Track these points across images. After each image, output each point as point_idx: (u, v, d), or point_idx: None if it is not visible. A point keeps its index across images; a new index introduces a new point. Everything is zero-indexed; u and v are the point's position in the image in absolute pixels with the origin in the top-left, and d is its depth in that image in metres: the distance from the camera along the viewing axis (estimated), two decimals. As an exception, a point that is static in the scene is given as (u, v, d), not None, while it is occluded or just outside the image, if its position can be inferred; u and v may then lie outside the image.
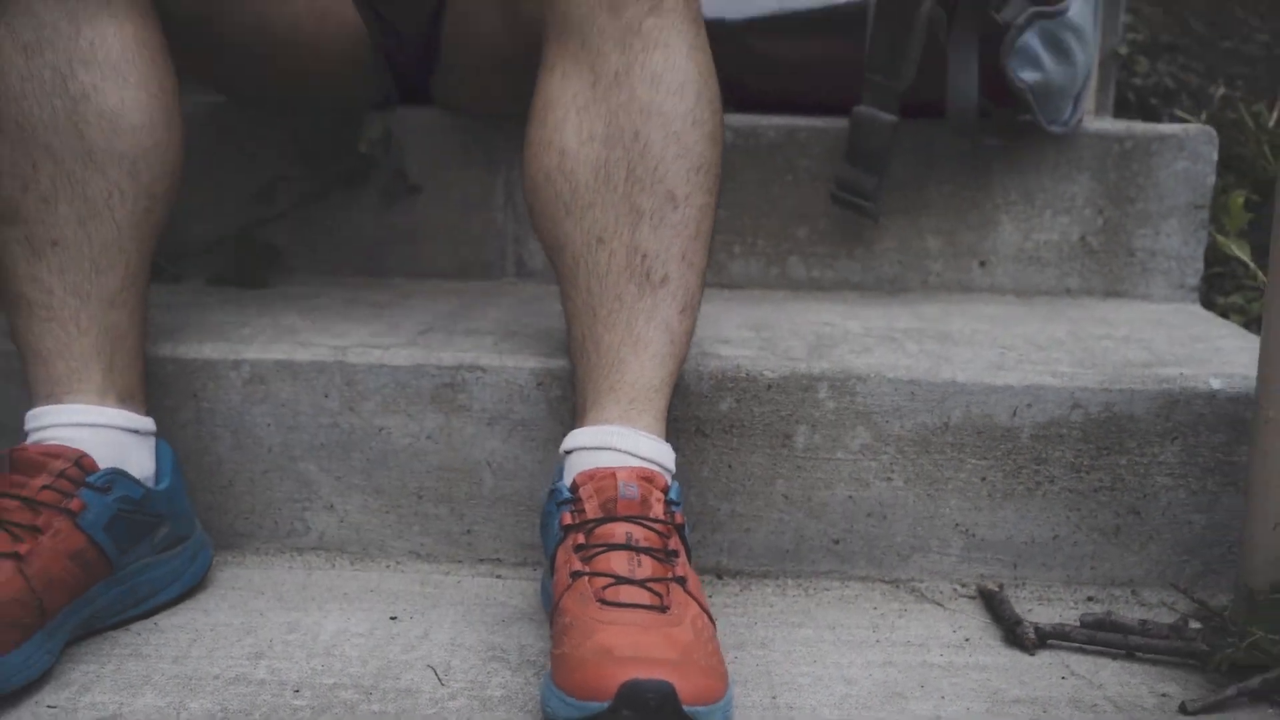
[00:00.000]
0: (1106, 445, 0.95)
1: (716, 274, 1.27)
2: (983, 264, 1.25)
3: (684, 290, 0.88)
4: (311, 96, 1.19)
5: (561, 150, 0.89)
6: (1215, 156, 1.22)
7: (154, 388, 0.97)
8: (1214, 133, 1.23)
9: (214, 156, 1.25)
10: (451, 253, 1.28)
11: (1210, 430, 0.94)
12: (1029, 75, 1.15)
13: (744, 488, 0.97)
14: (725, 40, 1.24)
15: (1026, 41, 1.14)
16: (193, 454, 0.99)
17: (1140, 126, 1.24)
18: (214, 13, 1.02)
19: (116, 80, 0.89)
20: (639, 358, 0.87)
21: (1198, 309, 1.22)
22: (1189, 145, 1.22)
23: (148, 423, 0.91)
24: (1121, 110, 1.58)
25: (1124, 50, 1.59)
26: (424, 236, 1.27)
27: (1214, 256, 1.32)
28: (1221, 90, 1.62)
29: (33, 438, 0.86)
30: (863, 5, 1.18)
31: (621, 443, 0.84)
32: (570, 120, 0.89)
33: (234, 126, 1.25)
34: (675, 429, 0.95)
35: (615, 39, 0.89)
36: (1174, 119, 1.57)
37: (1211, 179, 1.22)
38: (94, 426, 0.86)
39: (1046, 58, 1.15)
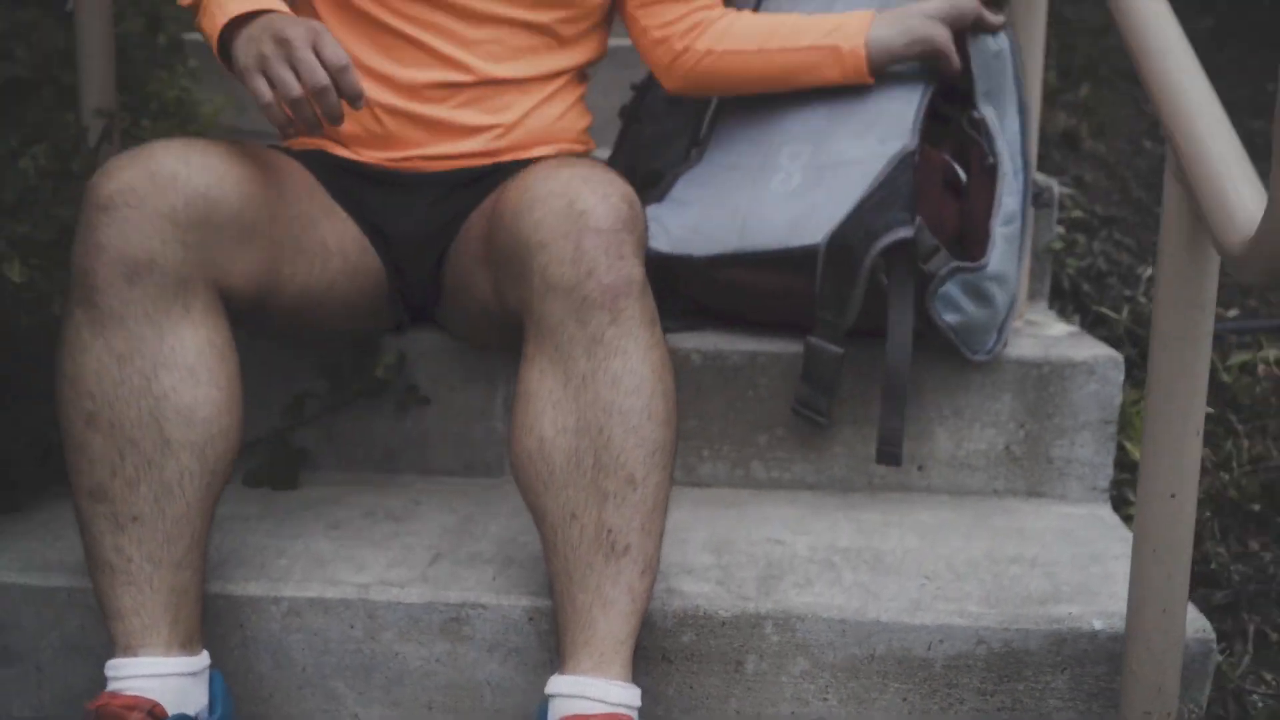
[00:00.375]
0: (1007, 674, 1.13)
1: (688, 474, 1.45)
2: (920, 468, 1.44)
3: (643, 555, 1.07)
4: (339, 332, 1.37)
5: (540, 437, 1.08)
6: (1121, 378, 1.40)
7: (207, 618, 1.15)
8: (1120, 359, 1.41)
9: (252, 374, 1.43)
10: (457, 455, 1.46)
11: (1094, 663, 1.12)
12: (950, 317, 1.33)
13: (703, 704, 1.15)
14: (693, 273, 1.43)
15: (948, 290, 1.32)
16: (238, 672, 1.17)
17: (1056, 353, 1.42)
18: (267, 296, 1.20)
19: (191, 380, 1.08)
20: (607, 616, 1.05)
21: (1105, 512, 1.39)
22: (1099, 370, 1.40)
23: (204, 660, 1.09)
24: (1056, 297, 1.76)
25: (1058, 245, 1.77)
26: (434, 441, 1.46)
27: (1125, 461, 1.50)
28: (1149, 272, 1.80)
29: (112, 685, 1.04)
30: (814, 250, 1.35)
31: (594, 691, 1.02)
32: (547, 413, 1.08)
33: (269, 350, 1.44)
34: (643, 655, 1.13)
35: (583, 346, 1.07)
36: (1098, 318, 1.75)
37: (1118, 399, 1.40)
38: (162, 676, 1.04)
39: (967, 302, 1.33)
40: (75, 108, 1.60)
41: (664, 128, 1.58)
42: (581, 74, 1.46)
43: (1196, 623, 1.13)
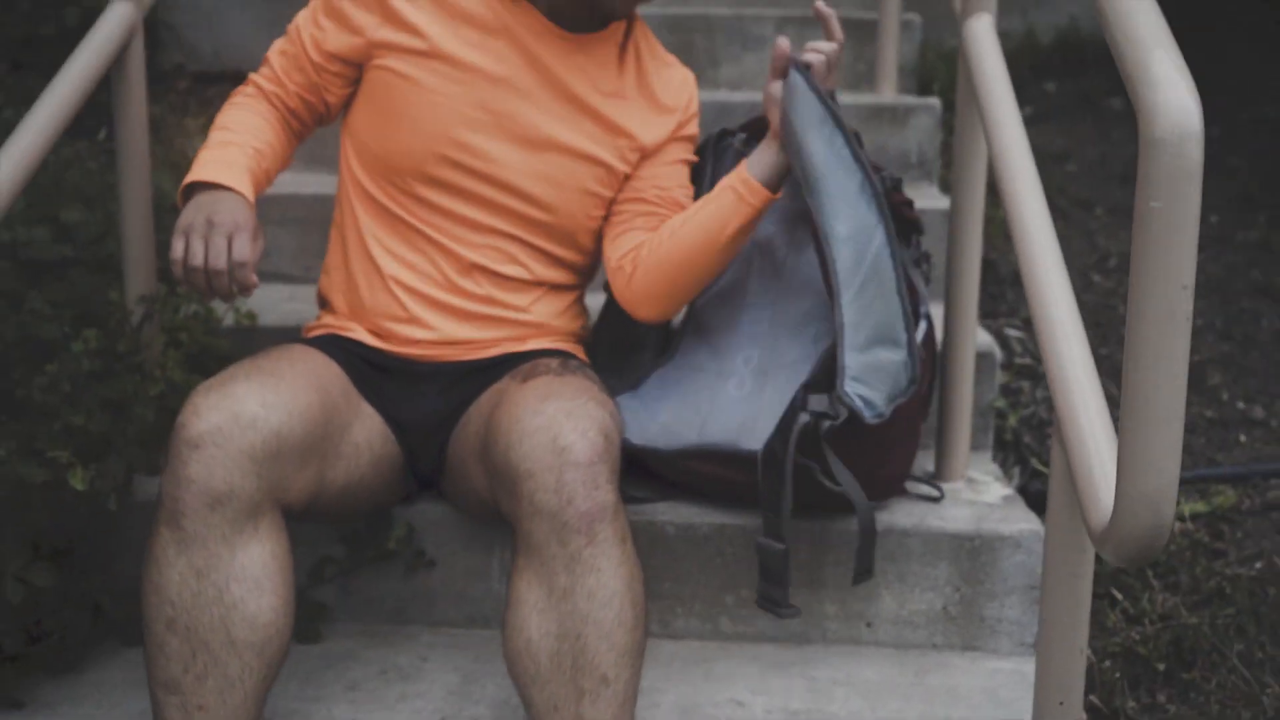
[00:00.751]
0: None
1: (664, 628, 1.64)
2: (869, 625, 1.62)
3: None
4: (360, 511, 1.56)
5: (528, 639, 1.27)
6: (1043, 550, 1.59)
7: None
8: (1042, 532, 1.59)
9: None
10: (459, 609, 1.65)
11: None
12: (870, 413, 1.49)
13: None
14: (660, 461, 1.62)
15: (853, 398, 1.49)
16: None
17: (987, 527, 1.60)
18: (313, 502, 1.39)
19: (257, 591, 1.27)
20: None
21: (1030, 667, 1.58)
22: (1024, 543, 1.59)
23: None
24: (999, 449, 1.95)
25: (999, 403, 1.96)
26: (439, 597, 1.65)
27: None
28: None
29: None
30: (755, 456, 1.53)
31: None
32: (533, 619, 1.27)
33: (295, 525, 1.63)
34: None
35: (563, 564, 1.26)
36: (1035, 475, 1.93)
37: (1040, 568, 1.59)
38: None
39: (870, 395, 1.50)
40: (120, 288, 1.80)
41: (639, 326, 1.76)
42: (581, 275, 1.65)
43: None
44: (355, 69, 1.56)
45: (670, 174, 1.63)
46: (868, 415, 1.49)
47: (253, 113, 1.57)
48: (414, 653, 1.60)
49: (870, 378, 1.51)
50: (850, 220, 1.51)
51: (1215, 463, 1.93)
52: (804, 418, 1.47)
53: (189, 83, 3.04)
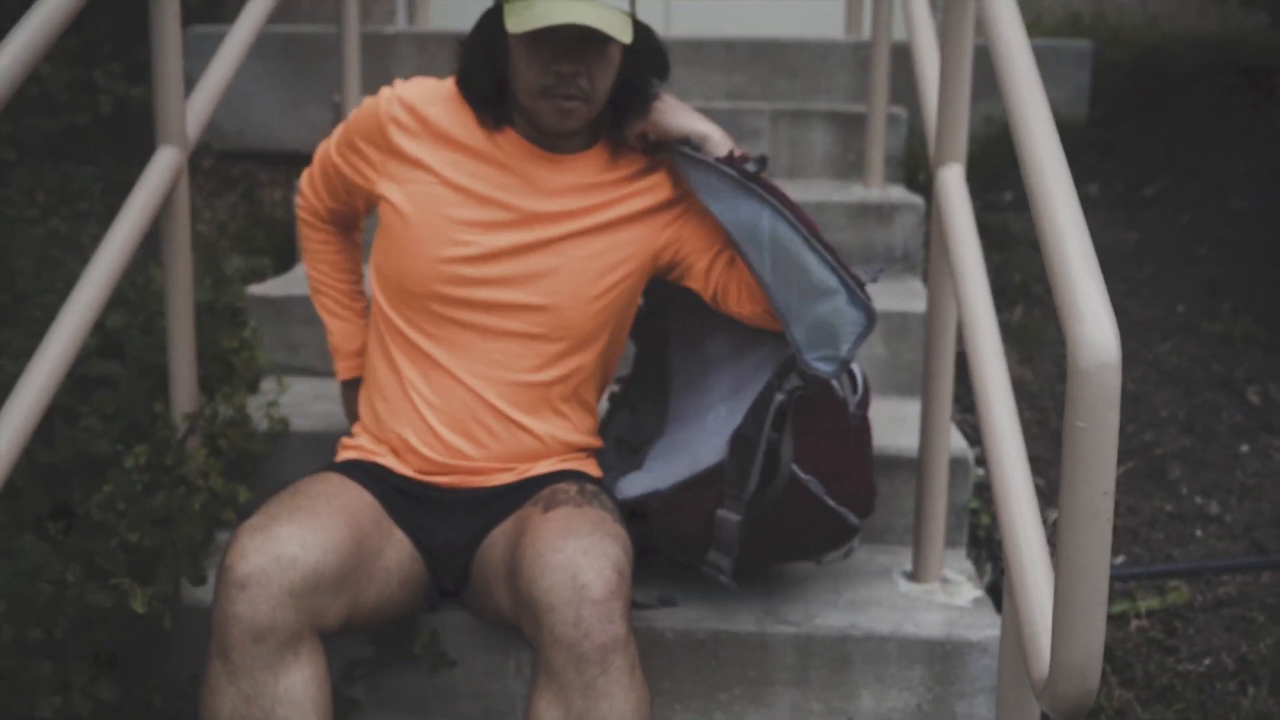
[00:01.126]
0: None
1: (664, 722, 1.80)
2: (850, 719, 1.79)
3: None
4: (389, 623, 1.72)
5: None
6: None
7: None
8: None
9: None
10: (478, 704, 1.82)
11: None
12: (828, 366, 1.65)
13: None
14: (660, 501, 1.73)
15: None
16: None
17: (956, 633, 1.76)
18: (347, 624, 1.55)
19: (300, 712, 1.43)
20: None
21: (997, 761, 1.74)
22: (990, 648, 1.75)
23: None
24: (973, 545, 2.11)
25: (974, 505, 2.12)
26: (459, 695, 1.81)
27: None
28: (1054, 516, 2.14)
29: None
30: (721, 463, 1.69)
31: None
32: None
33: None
34: None
35: (579, 690, 1.42)
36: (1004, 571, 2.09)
37: (1006, 670, 1.75)
38: None
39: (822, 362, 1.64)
40: (165, 399, 1.96)
41: (639, 417, 1.93)
42: (592, 379, 1.78)
43: None
44: (372, 196, 1.75)
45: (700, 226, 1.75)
46: (829, 370, 1.61)
47: (323, 245, 1.88)
48: (437, 747, 1.76)
49: (819, 338, 1.62)
50: (735, 215, 1.64)
51: (1171, 558, 2.09)
52: (779, 397, 1.62)
53: (214, 161, 3.21)
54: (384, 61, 3.18)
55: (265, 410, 2.08)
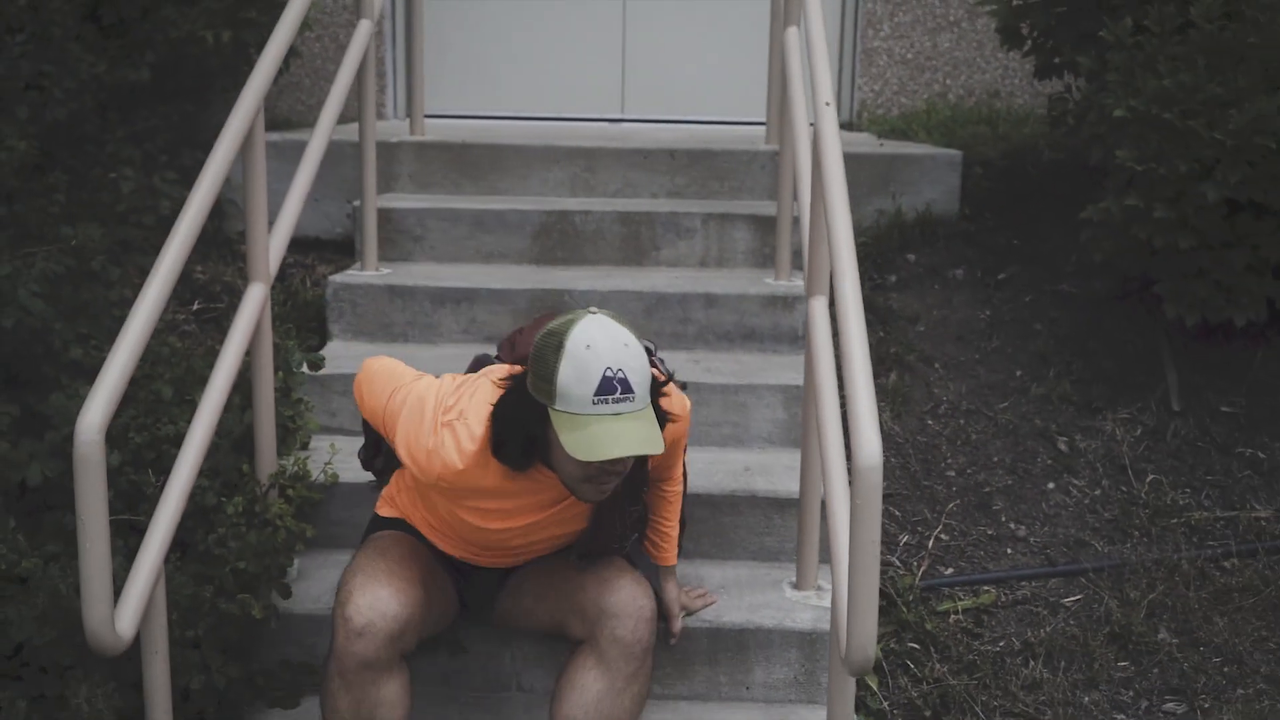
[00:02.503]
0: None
1: (617, 691, 2.53)
2: (748, 688, 2.53)
3: None
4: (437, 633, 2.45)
5: (588, 705, 2.16)
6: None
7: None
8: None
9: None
10: (483, 679, 2.55)
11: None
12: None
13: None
14: None
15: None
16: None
17: (821, 626, 2.51)
18: (420, 639, 2.27)
19: (392, 711, 2.11)
20: None
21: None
22: (843, 636, 2.50)
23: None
24: (844, 561, 2.85)
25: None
26: (469, 672, 2.54)
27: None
28: (905, 538, 2.90)
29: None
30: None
31: None
32: (599, 699, 2.16)
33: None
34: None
35: (624, 675, 2.15)
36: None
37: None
38: None
39: None
40: (251, 465, 2.68)
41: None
42: None
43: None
44: None
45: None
46: None
47: None
48: (454, 707, 2.49)
49: None
50: None
51: (986, 569, 2.85)
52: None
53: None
54: (390, 165, 3.90)
55: (321, 467, 2.80)
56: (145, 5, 3.70)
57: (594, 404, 1.92)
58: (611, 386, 1.93)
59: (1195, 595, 2.76)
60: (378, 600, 2.12)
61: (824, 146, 2.37)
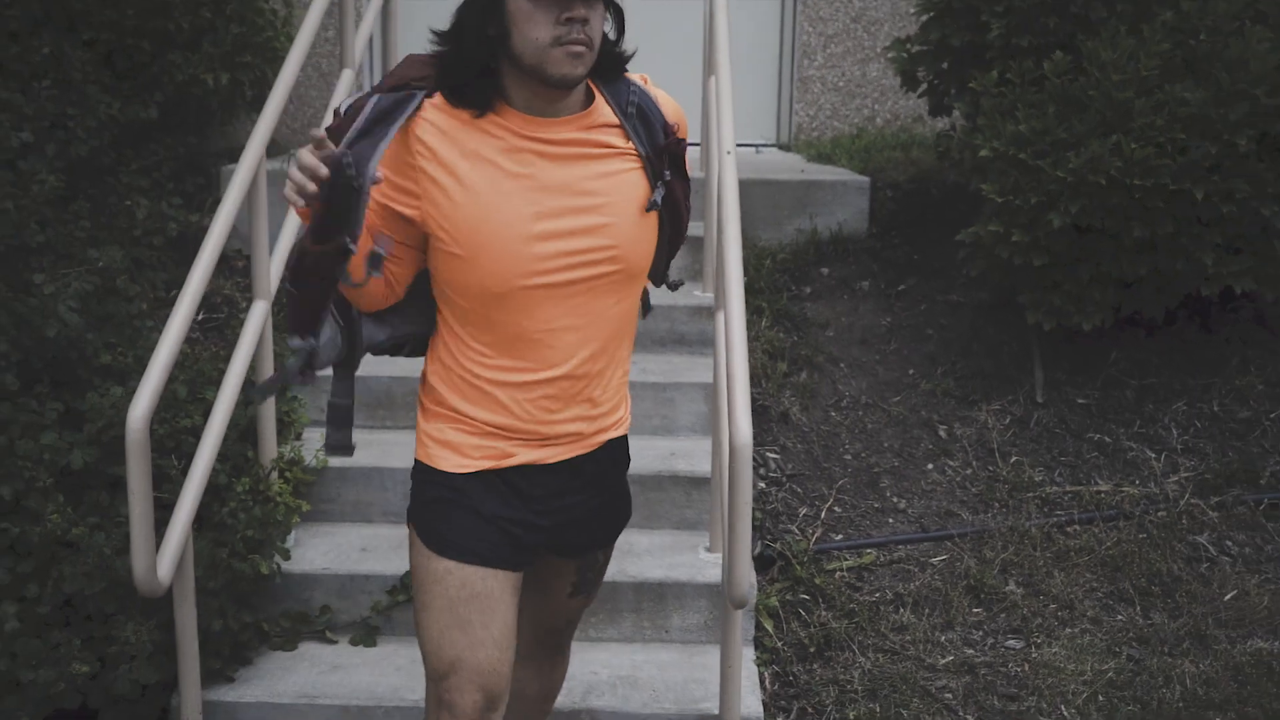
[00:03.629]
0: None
1: (559, 635, 3.09)
2: (667, 630, 3.08)
3: None
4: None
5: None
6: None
7: None
8: (754, 583, 3.07)
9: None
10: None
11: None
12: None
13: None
14: None
15: None
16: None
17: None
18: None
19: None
20: None
21: (751, 652, 3.04)
22: (744, 587, 3.06)
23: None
24: (754, 529, 3.41)
25: (756, 512, 3.43)
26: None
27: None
28: (804, 510, 3.46)
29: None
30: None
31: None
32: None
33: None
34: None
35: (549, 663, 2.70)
36: (766, 546, 3.42)
37: (753, 601, 3.06)
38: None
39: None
40: (256, 452, 3.21)
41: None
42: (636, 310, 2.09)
43: None
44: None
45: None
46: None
47: None
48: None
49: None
50: None
51: (869, 536, 3.42)
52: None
53: (246, 262, 4.43)
54: (369, 191, 4.43)
55: (314, 454, 3.34)
56: (153, 51, 4.23)
57: None
58: None
59: (1040, 555, 3.33)
60: (469, 652, 1.96)
61: (723, 190, 2.92)
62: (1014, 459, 3.65)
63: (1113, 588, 3.25)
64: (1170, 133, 3.37)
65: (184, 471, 2.93)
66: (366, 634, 3.06)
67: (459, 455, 2.02)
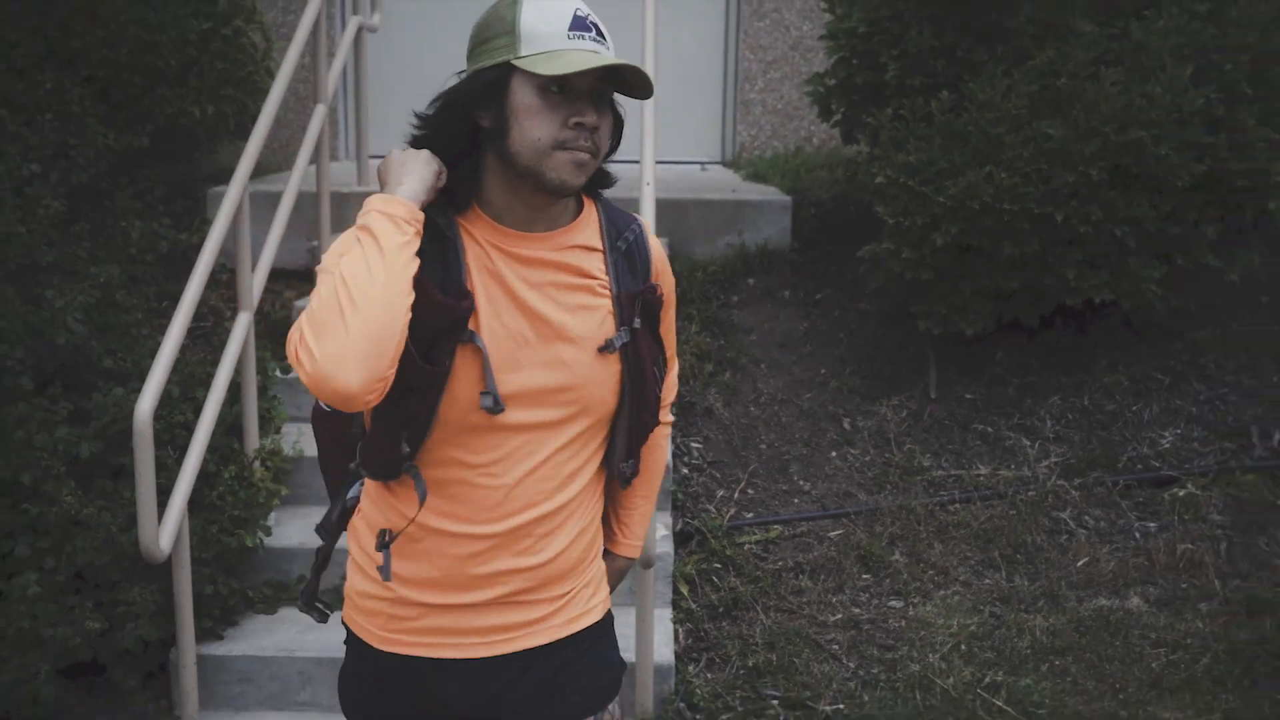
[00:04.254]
0: None
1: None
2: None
3: None
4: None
5: None
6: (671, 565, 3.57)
7: None
8: (670, 554, 3.57)
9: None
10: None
11: None
12: None
13: None
14: None
15: None
16: None
17: (658, 550, 3.57)
18: None
19: None
20: None
21: (669, 614, 3.54)
22: (663, 557, 3.56)
23: None
24: (675, 509, 3.91)
25: (676, 491, 3.93)
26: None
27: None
28: (721, 492, 3.96)
29: None
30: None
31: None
32: None
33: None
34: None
35: None
36: (685, 524, 3.92)
37: (673, 568, 3.56)
38: None
39: None
40: (241, 444, 3.69)
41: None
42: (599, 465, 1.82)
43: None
44: None
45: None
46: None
47: None
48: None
49: None
50: None
51: (777, 514, 3.92)
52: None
53: (230, 275, 4.91)
54: (342, 210, 4.92)
55: (291, 445, 3.82)
56: (145, 86, 4.70)
57: (569, 38, 1.63)
58: (585, 25, 1.64)
59: (924, 529, 3.85)
60: None
61: (643, 215, 3.42)
62: (907, 447, 4.16)
63: (984, 556, 3.77)
64: (1035, 164, 3.89)
65: (179, 461, 3.41)
66: (337, 600, 3.53)
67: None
